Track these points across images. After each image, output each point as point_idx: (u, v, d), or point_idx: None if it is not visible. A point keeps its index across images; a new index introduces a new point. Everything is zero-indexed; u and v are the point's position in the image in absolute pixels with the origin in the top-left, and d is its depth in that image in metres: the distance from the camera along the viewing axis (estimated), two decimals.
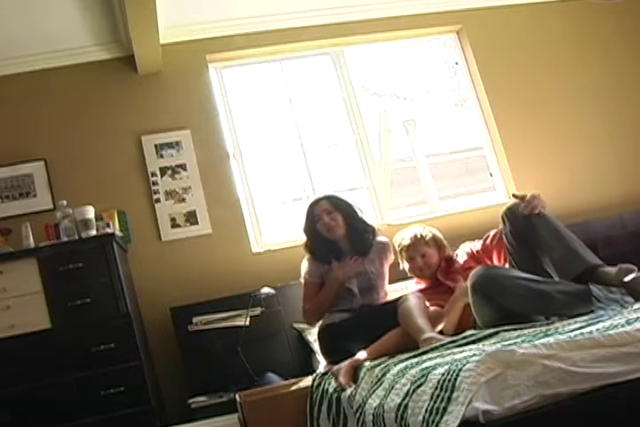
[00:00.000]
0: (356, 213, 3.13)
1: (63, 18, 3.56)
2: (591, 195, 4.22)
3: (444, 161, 5.54)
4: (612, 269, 2.41)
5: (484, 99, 4.35)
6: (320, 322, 3.05)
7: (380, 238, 3.18)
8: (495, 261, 2.99)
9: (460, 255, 3.13)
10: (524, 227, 2.64)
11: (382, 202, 4.19)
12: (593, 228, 3.94)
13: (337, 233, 3.07)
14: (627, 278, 2.31)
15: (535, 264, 2.61)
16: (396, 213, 4.28)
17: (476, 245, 3.09)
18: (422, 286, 3.17)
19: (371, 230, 3.14)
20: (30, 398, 3.07)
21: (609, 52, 4.54)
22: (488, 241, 3.02)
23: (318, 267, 3.09)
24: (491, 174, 4.40)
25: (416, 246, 3.09)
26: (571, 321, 2.12)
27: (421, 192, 4.40)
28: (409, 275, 3.23)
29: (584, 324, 1.98)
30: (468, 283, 2.55)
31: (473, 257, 3.07)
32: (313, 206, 3.13)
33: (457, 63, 4.55)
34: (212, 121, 4.04)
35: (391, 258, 3.18)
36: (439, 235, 3.17)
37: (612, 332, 1.65)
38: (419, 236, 3.10)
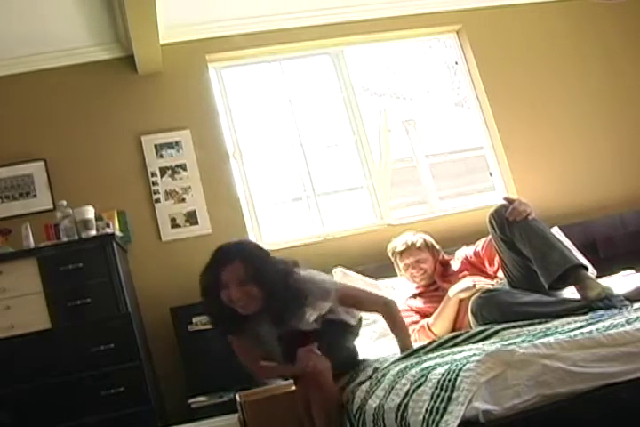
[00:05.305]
0: (279, 281, 2.30)
1: (63, 18, 3.56)
2: (591, 195, 4.22)
3: (444, 161, 5.53)
4: (594, 284, 2.40)
5: (483, 99, 4.35)
6: None
7: (316, 286, 2.36)
8: (487, 267, 3.03)
9: (456, 259, 3.17)
10: (510, 229, 2.65)
11: (382, 202, 4.19)
12: (593, 228, 3.95)
13: (250, 310, 2.32)
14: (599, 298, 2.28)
15: (524, 266, 2.62)
16: (396, 213, 4.28)
17: (469, 251, 3.13)
18: (420, 289, 3.19)
19: (299, 304, 2.32)
20: (30, 398, 3.07)
21: (609, 52, 4.53)
22: (479, 248, 3.07)
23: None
24: (490, 174, 4.40)
25: (409, 253, 3.11)
26: (570, 320, 2.12)
27: (421, 192, 4.40)
28: (405, 279, 3.24)
29: (584, 323, 1.97)
30: (469, 308, 2.59)
31: (468, 261, 3.11)
32: (221, 267, 2.31)
33: (457, 63, 4.55)
34: (211, 121, 4.04)
35: (346, 292, 2.48)
36: (430, 239, 3.19)
37: (612, 331, 1.65)
38: (409, 243, 3.12)
